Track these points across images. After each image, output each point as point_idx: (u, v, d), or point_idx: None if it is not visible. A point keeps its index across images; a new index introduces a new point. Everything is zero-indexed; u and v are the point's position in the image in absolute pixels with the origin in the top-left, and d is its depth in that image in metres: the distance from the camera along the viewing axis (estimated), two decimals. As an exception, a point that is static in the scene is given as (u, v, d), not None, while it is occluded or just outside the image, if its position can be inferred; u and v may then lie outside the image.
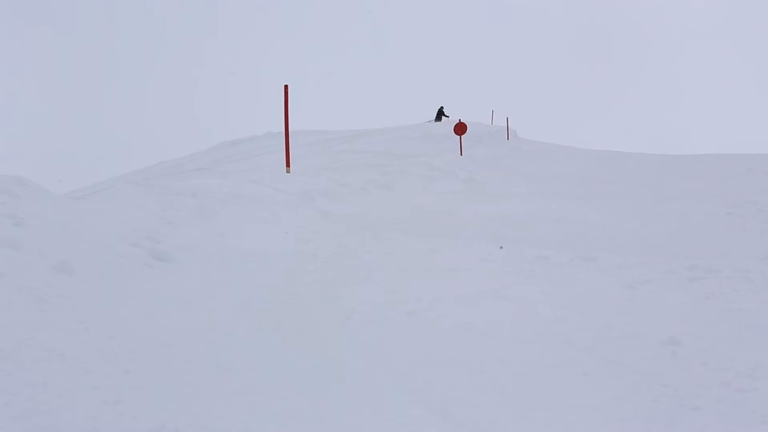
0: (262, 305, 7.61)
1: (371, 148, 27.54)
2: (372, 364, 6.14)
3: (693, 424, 5.03)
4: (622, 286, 8.73)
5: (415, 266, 9.84)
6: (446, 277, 9.30)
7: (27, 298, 6.41)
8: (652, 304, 7.99)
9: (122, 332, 6.15)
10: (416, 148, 28.03)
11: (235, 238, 10.57)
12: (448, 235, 12.38)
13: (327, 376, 5.80)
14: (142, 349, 5.85)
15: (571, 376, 5.96)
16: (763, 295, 8.11)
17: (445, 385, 5.72)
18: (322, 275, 9.10)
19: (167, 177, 18.00)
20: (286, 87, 17.29)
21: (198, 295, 7.75)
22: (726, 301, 7.97)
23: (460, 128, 28.62)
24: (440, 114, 50.50)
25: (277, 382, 5.55)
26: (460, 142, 28.22)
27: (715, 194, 17.65)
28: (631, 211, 15.53)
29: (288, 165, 17.29)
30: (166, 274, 8.28)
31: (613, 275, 9.23)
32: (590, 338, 6.84)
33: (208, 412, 4.85)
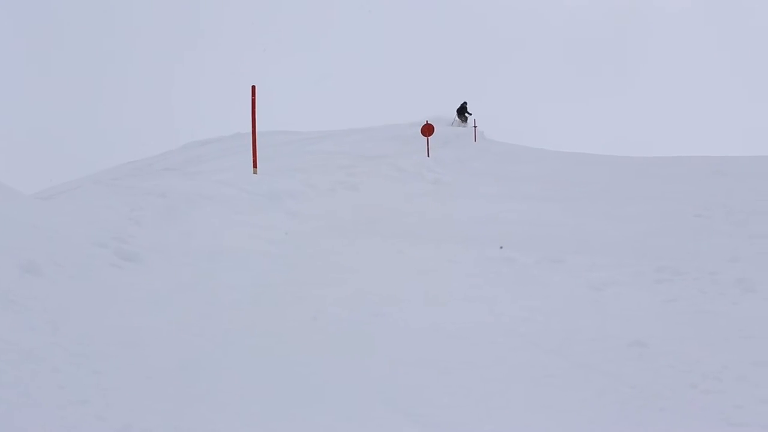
0: (229, 306, 7.60)
1: (339, 149, 27.51)
2: (339, 364, 6.14)
3: (659, 425, 5.07)
4: (589, 287, 8.78)
5: (382, 267, 9.87)
6: (414, 278, 9.32)
7: (-5, 298, 6.39)
8: (619, 306, 8.04)
9: (90, 332, 6.11)
10: (384, 150, 28.00)
11: (203, 238, 10.53)
12: (415, 237, 12.38)
13: (294, 376, 5.80)
14: (110, 349, 5.82)
15: (537, 377, 5.99)
16: (730, 297, 8.16)
17: (412, 386, 5.74)
18: (290, 276, 9.09)
19: (135, 177, 17.91)
20: (253, 87, 17.25)
21: (166, 295, 7.72)
22: (693, 303, 8.02)
23: (428, 129, 28.66)
24: (463, 111, 45.42)
25: (244, 383, 5.56)
26: (428, 143, 28.25)
27: (683, 196, 17.67)
28: (600, 212, 15.54)
29: (255, 166, 17.27)
30: (134, 274, 8.23)
31: (580, 277, 9.27)
32: (557, 340, 6.87)
33: (175, 412, 4.85)
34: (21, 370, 5.13)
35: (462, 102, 45.63)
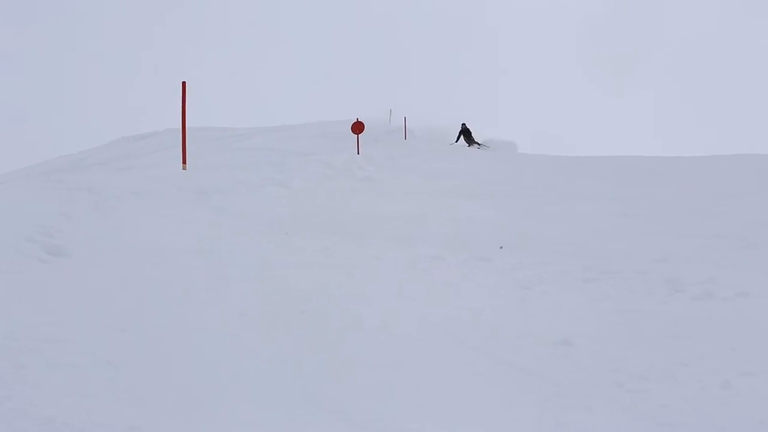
0: (155, 302, 7.46)
1: (269, 145, 27.45)
2: (264, 361, 6.08)
3: (585, 424, 5.03)
4: (516, 286, 8.78)
5: (309, 264, 9.78)
6: (340, 275, 9.26)
7: None
8: (546, 305, 8.03)
9: (15, 327, 5.98)
10: (314, 147, 27.97)
11: (131, 233, 10.41)
12: (343, 234, 12.35)
13: (219, 374, 5.71)
14: (34, 344, 5.69)
15: (463, 375, 5.94)
16: (658, 297, 8.20)
17: (337, 384, 5.67)
18: (217, 272, 8.99)
19: (65, 172, 17.80)
20: (183, 84, 17.19)
21: (92, 290, 7.57)
22: (621, 302, 8.04)
23: (358, 127, 28.72)
24: (468, 135, 42.08)
25: (168, 379, 5.47)
26: (358, 141, 28.31)
27: (613, 196, 17.73)
28: (528, 211, 15.64)
29: (184, 161, 17.23)
30: (62, 269, 8.09)
31: (507, 275, 9.28)
32: (483, 338, 6.83)
33: (98, 408, 4.76)
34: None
35: (462, 125, 42.79)
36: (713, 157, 27.20)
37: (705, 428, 4.96)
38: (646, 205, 16.09)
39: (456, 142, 41.84)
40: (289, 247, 10.80)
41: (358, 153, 27.19)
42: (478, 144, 41.74)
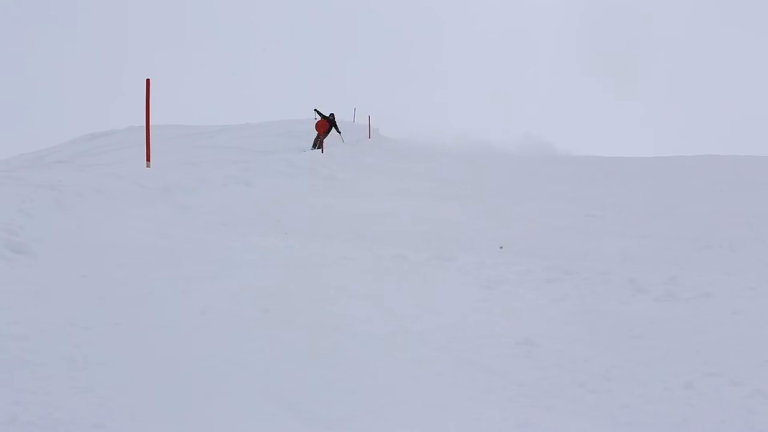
0: (118, 300, 7.41)
1: (233, 144, 27.48)
2: (225, 359, 6.03)
3: (546, 423, 5.02)
4: (478, 286, 8.77)
5: (272, 262, 9.77)
6: (303, 273, 9.25)
7: None
8: (508, 305, 8.03)
9: None
10: (277, 145, 28.04)
11: (94, 231, 10.33)
12: (306, 233, 12.34)
13: (180, 371, 5.70)
14: None
15: (425, 375, 5.93)
16: (619, 297, 8.23)
17: (298, 382, 5.65)
18: (179, 271, 8.92)
19: (27, 169, 17.69)
20: (147, 81, 17.13)
21: (54, 288, 7.53)
22: (582, 303, 8.06)
23: (322, 126, 28.78)
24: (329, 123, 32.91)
25: (130, 377, 5.43)
26: (322, 139, 28.36)
27: (574, 196, 17.89)
28: (490, 211, 15.70)
29: (148, 159, 17.17)
30: (23, 266, 8.04)
31: (469, 275, 9.28)
32: (445, 337, 6.82)
33: (61, 405, 4.74)
34: None
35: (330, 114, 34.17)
36: (673, 158, 27.48)
37: (668, 429, 4.98)
38: (605, 205, 16.22)
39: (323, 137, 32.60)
40: (253, 246, 10.75)
41: (322, 152, 27.22)
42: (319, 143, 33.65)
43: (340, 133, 30.82)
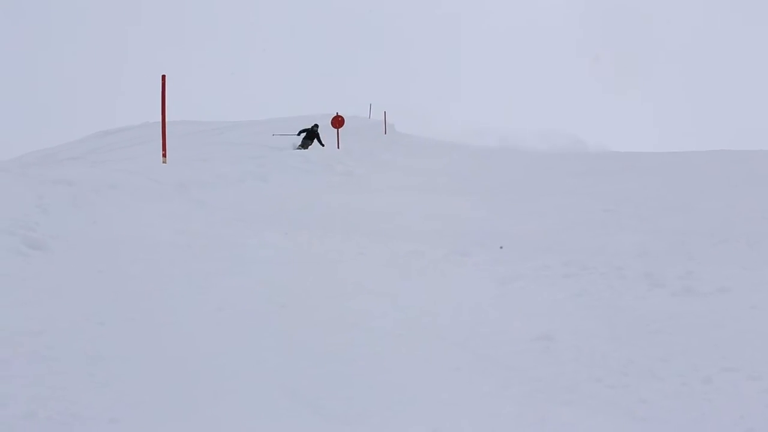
0: (133, 295, 7.46)
1: (248, 139, 27.44)
2: (242, 355, 6.07)
3: (564, 419, 5.02)
4: (495, 281, 8.75)
5: (288, 258, 9.78)
6: (321, 269, 9.27)
7: None
8: (525, 300, 8.01)
9: None
10: (294, 141, 28.01)
11: (109, 227, 10.36)
12: (324, 229, 12.30)
13: (196, 367, 5.74)
14: (15, 338, 5.69)
15: (443, 370, 5.94)
16: (636, 292, 8.15)
17: (316, 378, 5.67)
18: (195, 266, 8.96)
19: (42, 166, 17.71)
20: (163, 77, 17.14)
21: (70, 284, 7.55)
22: (600, 298, 8.00)
23: (337, 121, 28.76)
24: (313, 135, 29.97)
25: (146, 373, 5.48)
26: (338, 135, 28.33)
27: (591, 191, 17.80)
28: (507, 206, 15.62)
29: (164, 155, 17.18)
30: (40, 262, 8.05)
31: (486, 270, 9.23)
32: (463, 333, 6.82)
33: (78, 400, 4.78)
34: None
35: (314, 125, 31.24)
36: (688, 154, 27.31)
37: (686, 424, 4.95)
38: (620, 200, 16.13)
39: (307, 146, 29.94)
40: (269, 242, 10.73)
41: (338, 147, 27.20)
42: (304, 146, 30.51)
43: (323, 146, 28.57)
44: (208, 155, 20.60)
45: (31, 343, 5.69)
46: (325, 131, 29.65)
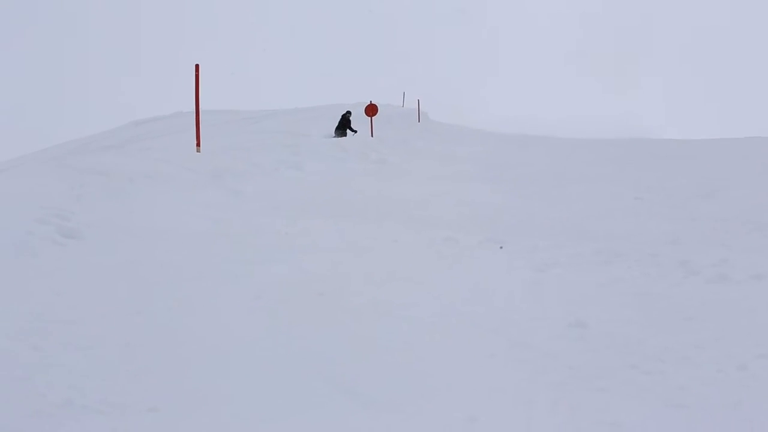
0: (170, 284, 7.51)
1: (282, 128, 27.40)
2: (280, 343, 6.09)
3: (598, 405, 4.99)
4: (530, 268, 8.74)
5: (324, 246, 9.82)
6: (356, 257, 9.30)
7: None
8: (559, 287, 8.00)
9: (30, 309, 6.04)
10: (328, 129, 28.01)
11: (144, 216, 10.44)
12: (358, 216, 12.39)
13: (235, 354, 5.76)
14: (50, 326, 5.76)
15: (478, 357, 5.93)
16: (670, 279, 8.14)
17: (353, 365, 5.68)
18: (231, 254, 9.01)
19: (76, 155, 17.75)
20: (197, 66, 17.15)
21: (107, 273, 7.62)
22: (634, 285, 7.99)
23: (371, 110, 28.69)
24: (346, 123, 29.68)
25: (184, 361, 5.50)
26: (371, 123, 28.28)
27: (623, 178, 17.78)
28: (541, 194, 15.63)
29: (198, 144, 17.19)
30: (75, 251, 8.14)
31: (521, 258, 9.23)
32: (498, 320, 6.81)
33: (115, 389, 4.81)
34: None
35: (346, 112, 30.74)
36: (720, 140, 27.18)
37: (722, 410, 4.93)
38: (653, 187, 16.07)
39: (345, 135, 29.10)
40: (304, 230, 10.80)
41: (372, 135, 27.15)
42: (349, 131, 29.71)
43: (355, 132, 28.86)
44: (244, 144, 20.62)
45: (67, 332, 5.78)
46: (359, 119, 29.60)
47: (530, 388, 5.33)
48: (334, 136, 27.83)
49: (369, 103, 29.08)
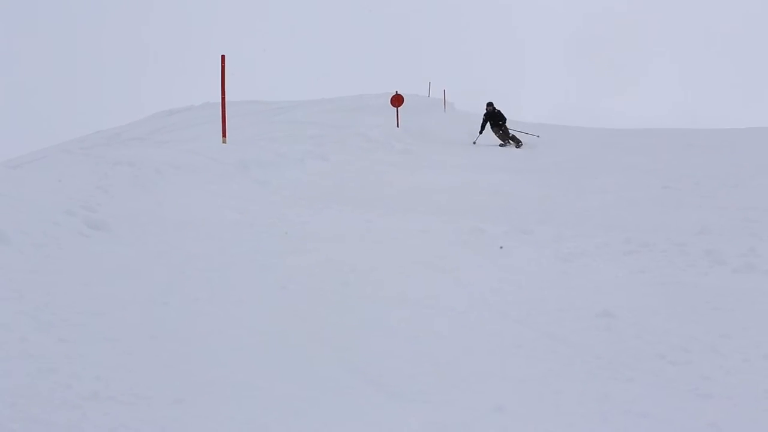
0: (197, 275, 7.50)
1: (308, 119, 27.43)
2: (306, 334, 6.09)
3: (626, 396, 5.01)
4: (557, 258, 8.77)
5: (351, 236, 9.84)
6: (382, 247, 9.30)
7: (-39, 267, 6.35)
8: (587, 277, 8.00)
9: (57, 301, 6.03)
10: (353, 120, 27.98)
11: (172, 207, 10.46)
12: (384, 206, 12.43)
13: (261, 346, 5.75)
14: (77, 318, 5.74)
15: (504, 347, 5.94)
16: (698, 269, 8.15)
17: (379, 356, 5.68)
18: (258, 245, 9.03)
19: (104, 146, 17.84)
20: (222, 57, 17.16)
21: (133, 264, 7.61)
22: (661, 275, 8.00)
23: (397, 100, 28.67)
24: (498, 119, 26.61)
25: (210, 352, 5.50)
26: (397, 113, 28.25)
27: (652, 168, 17.76)
28: (567, 184, 15.64)
29: (224, 135, 17.22)
30: (102, 243, 8.15)
31: (548, 248, 9.25)
32: (525, 310, 6.82)
33: (142, 381, 4.79)
34: (-14, 338, 5.10)
35: (488, 104, 27.40)
36: (748, 130, 27.04)
37: (749, 400, 4.94)
38: (681, 177, 16.02)
39: (480, 134, 27.01)
40: (330, 220, 10.84)
41: (398, 126, 27.12)
42: (513, 140, 26.53)
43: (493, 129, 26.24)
44: (270, 135, 20.65)
45: (94, 324, 5.76)
46: (385, 110, 29.61)
47: (558, 378, 5.34)
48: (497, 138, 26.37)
49: (395, 93, 29.05)
